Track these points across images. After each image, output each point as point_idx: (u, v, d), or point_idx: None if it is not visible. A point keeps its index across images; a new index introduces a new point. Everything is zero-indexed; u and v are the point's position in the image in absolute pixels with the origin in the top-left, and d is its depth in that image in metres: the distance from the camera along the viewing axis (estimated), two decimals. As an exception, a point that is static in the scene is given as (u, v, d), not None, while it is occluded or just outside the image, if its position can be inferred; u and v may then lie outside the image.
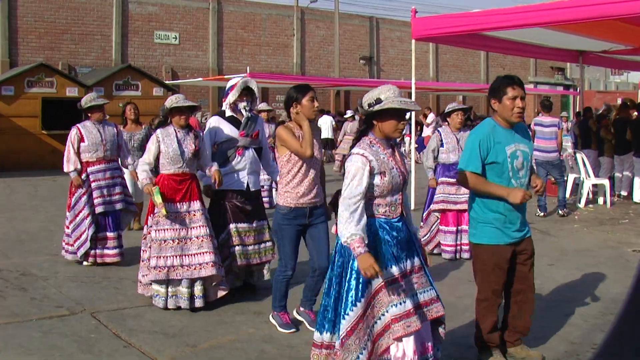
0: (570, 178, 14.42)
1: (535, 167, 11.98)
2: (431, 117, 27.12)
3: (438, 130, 9.30)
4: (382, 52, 36.17)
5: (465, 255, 8.82)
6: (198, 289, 6.65)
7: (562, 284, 7.72)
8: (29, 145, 21.00)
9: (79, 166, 8.61)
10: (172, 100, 6.82)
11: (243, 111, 7.16)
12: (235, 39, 31.14)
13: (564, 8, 10.82)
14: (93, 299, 7.07)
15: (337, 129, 26.49)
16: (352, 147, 4.62)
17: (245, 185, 7.15)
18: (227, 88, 7.34)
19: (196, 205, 6.82)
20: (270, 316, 6.22)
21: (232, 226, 7.04)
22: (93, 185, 8.58)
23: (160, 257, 6.59)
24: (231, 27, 30.99)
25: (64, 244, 8.67)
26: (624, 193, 14.75)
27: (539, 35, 13.03)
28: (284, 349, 5.69)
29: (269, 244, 7.27)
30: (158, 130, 6.87)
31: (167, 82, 25.79)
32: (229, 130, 7.18)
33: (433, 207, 9.18)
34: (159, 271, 6.57)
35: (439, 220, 9.13)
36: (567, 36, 12.94)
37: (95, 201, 8.55)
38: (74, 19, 26.95)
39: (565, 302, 7.01)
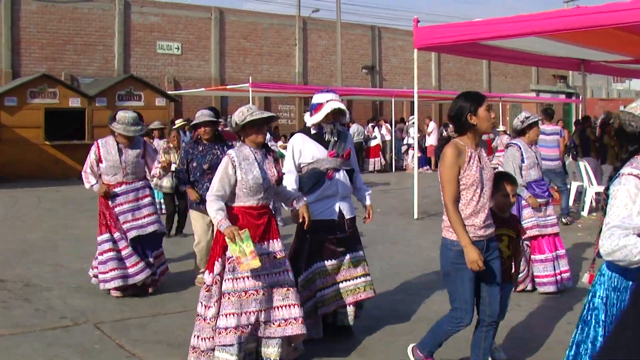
0: (574, 186, 14.42)
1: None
2: (432, 125, 27.13)
3: (516, 144, 7.91)
4: (385, 61, 36.22)
5: (569, 284, 7.89)
6: (272, 350, 5.31)
7: (566, 292, 7.71)
8: (32, 156, 21.04)
9: (95, 181, 7.77)
10: (245, 112, 5.36)
11: (327, 136, 6.12)
12: (238, 49, 31.20)
13: (564, 17, 10.85)
14: (97, 310, 7.08)
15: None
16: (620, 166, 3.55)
17: (337, 213, 6.10)
18: (312, 104, 6.25)
19: (277, 244, 5.44)
20: (410, 352, 5.34)
21: (320, 264, 5.98)
22: (116, 210, 7.68)
23: (242, 313, 5.17)
24: (233, 37, 31.06)
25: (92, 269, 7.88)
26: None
27: (540, 45, 13.05)
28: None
29: (367, 278, 6.18)
30: (232, 152, 5.38)
31: (169, 92, 25.85)
32: (315, 150, 6.11)
33: (529, 232, 7.79)
34: (242, 332, 5.16)
35: (529, 250, 7.85)
36: (568, 46, 12.96)
37: (124, 225, 7.67)
38: (77, 29, 27.02)
39: (569, 310, 7.01)
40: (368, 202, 6.38)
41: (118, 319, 6.79)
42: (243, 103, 23.09)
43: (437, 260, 8.95)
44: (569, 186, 13.57)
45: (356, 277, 6.11)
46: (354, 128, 26.44)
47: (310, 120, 6.17)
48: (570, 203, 13.57)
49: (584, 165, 14.14)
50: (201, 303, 5.34)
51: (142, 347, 5.93)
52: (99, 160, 7.73)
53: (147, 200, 7.90)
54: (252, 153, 5.41)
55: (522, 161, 7.84)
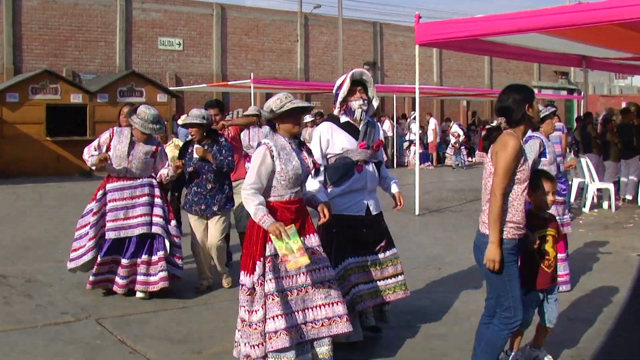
0: (575, 182, 14.42)
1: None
2: (432, 122, 27.11)
3: (539, 137, 7.57)
4: (386, 58, 36.20)
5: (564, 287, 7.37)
6: (324, 349, 5.02)
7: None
8: (34, 152, 21.05)
9: (95, 154, 7.36)
10: (283, 100, 5.04)
11: (358, 112, 5.75)
12: (239, 45, 31.18)
13: (566, 13, 10.85)
14: (98, 305, 7.09)
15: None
16: None
17: (365, 208, 5.81)
18: (335, 87, 5.90)
19: (315, 239, 5.12)
20: None
21: (353, 260, 5.65)
22: (109, 205, 7.32)
23: (290, 314, 4.88)
24: (235, 33, 31.05)
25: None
26: (629, 197, 14.74)
27: (542, 40, 13.04)
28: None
29: (399, 278, 5.88)
30: (268, 141, 5.03)
31: (171, 88, 25.84)
32: (345, 140, 5.76)
33: None
34: (293, 334, 4.85)
35: None
36: (570, 43, 12.96)
37: (108, 224, 7.28)
38: (78, 25, 27.02)
39: (570, 307, 7.01)
40: (396, 189, 6.12)
41: (119, 314, 6.80)
42: (244, 99, 23.11)
43: (438, 256, 8.95)
44: (570, 182, 13.56)
45: (388, 277, 5.80)
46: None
47: (337, 103, 5.81)
48: (572, 199, 13.56)
49: (585, 161, 14.14)
50: (243, 308, 4.96)
51: (144, 342, 5.94)
52: (107, 148, 7.38)
53: (143, 199, 7.39)
54: (288, 143, 5.07)
55: (544, 155, 7.53)
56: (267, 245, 4.86)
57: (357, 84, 5.80)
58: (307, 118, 19.52)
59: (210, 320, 6.66)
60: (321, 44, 33.82)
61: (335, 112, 5.85)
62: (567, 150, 14.35)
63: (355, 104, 5.74)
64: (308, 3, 46.27)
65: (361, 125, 5.80)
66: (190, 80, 28.91)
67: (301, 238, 4.86)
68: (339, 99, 5.77)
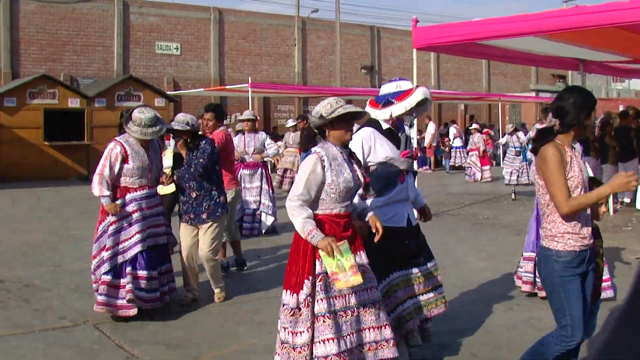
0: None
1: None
2: (431, 126, 27.12)
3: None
4: (384, 62, 36.22)
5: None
6: None
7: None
8: (32, 157, 21.06)
9: (108, 194, 6.67)
10: (334, 104, 4.66)
11: (407, 128, 5.56)
12: (237, 49, 31.19)
13: (564, 16, 10.84)
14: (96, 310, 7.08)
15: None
16: None
17: (407, 219, 5.51)
18: (390, 92, 5.50)
19: (364, 257, 4.75)
20: None
21: (399, 274, 5.34)
22: (135, 215, 6.72)
23: (341, 337, 4.50)
24: (232, 37, 31.05)
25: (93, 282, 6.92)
26: (627, 200, 14.75)
27: (539, 45, 13.04)
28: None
29: (441, 290, 5.58)
30: (319, 150, 4.65)
31: (168, 92, 25.85)
32: (388, 148, 5.41)
33: None
34: (343, 359, 4.47)
35: None
36: (567, 46, 12.96)
37: (140, 235, 6.70)
38: (76, 30, 27.02)
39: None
40: (424, 201, 5.83)
41: (117, 319, 6.79)
42: (242, 104, 23.10)
43: (436, 260, 8.92)
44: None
45: (430, 291, 5.47)
46: (354, 128, 26.43)
47: (393, 109, 5.37)
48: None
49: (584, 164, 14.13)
50: (285, 329, 4.58)
51: (141, 347, 5.93)
52: (124, 160, 6.70)
53: (160, 208, 7.12)
54: (339, 152, 4.69)
55: None
56: (317, 262, 4.51)
57: (418, 103, 5.41)
58: (290, 122, 19.29)
59: (207, 325, 6.65)
60: (319, 48, 33.84)
61: (380, 113, 5.44)
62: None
63: (408, 119, 5.61)
64: (305, 7, 46.36)
65: (400, 133, 5.53)
66: (188, 85, 28.91)
67: (354, 256, 4.52)
68: (395, 111, 5.38)
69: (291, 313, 4.54)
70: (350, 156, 4.81)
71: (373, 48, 35.79)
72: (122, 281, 6.64)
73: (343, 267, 4.37)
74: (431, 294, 5.45)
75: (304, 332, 4.48)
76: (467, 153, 23.60)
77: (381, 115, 5.44)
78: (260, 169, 11.43)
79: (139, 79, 24.54)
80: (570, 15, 10.73)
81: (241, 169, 11.22)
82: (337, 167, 4.58)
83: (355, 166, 4.77)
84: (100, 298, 6.56)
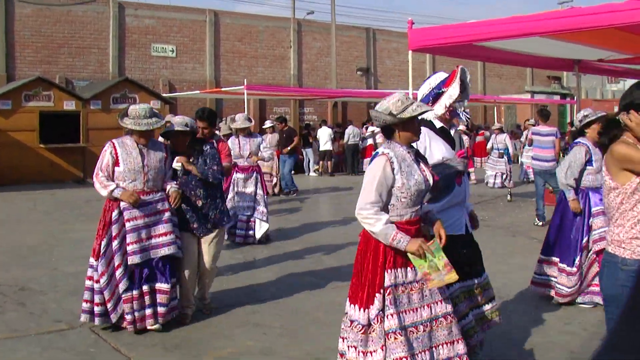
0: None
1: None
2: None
3: (585, 144, 7.20)
4: (379, 63, 36.24)
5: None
6: None
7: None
8: (27, 159, 21.02)
9: (114, 185, 6.35)
10: (405, 102, 4.31)
11: (464, 116, 5.32)
12: (232, 51, 31.18)
13: (559, 18, 10.85)
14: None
15: (335, 140, 26.57)
16: None
17: (464, 226, 5.12)
18: (434, 86, 5.13)
19: None
20: None
21: (460, 285, 4.94)
22: (128, 225, 6.29)
23: (415, 355, 4.22)
24: (228, 40, 31.05)
25: (86, 304, 6.41)
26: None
27: (535, 45, 13.06)
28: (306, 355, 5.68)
29: (495, 301, 5.28)
30: (387, 151, 4.32)
31: (164, 94, 25.85)
32: (444, 148, 5.04)
33: (596, 246, 7.04)
34: None
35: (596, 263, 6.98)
36: (563, 45, 12.97)
37: (129, 248, 6.27)
38: (71, 32, 26.98)
39: (565, 311, 7.02)
40: (472, 207, 5.41)
41: (113, 322, 6.77)
42: (238, 105, 23.06)
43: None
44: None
45: (487, 302, 5.16)
46: (349, 130, 26.46)
47: (448, 96, 5.00)
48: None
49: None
50: (354, 349, 4.24)
51: (137, 350, 5.92)
52: (115, 163, 6.36)
53: (166, 215, 6.50)
54: (407, 153, 4.36)
55: (590, 163, 7.14)
56: (386, 274, 4.23)
57: (462, 84, 5.03)
58: (267, 123, 19.23)
59: (203, 327, 6.64)
60: (314, 50, 33.85)
61: (436, 109, 5.01)
62: (560, 155, 14.34)
63: (461, 106, 5.11)
64: (301, 9, 46.36)
65: (453, 132, 5.19)
66: (183, 87, 28.89)
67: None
68: (446, 101, 5.02)
69: (362, 330, 4.22)
70: (417, 155, 4.49)
71: (369, 50, 35.80)
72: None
73: (436, 267, 4.19)
74: (487, 306, 5.17)
75: (376, 351, 4.16)
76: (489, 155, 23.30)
77: (437, 109, 5.03)
78: (255, 173, 10.99)
79: (135, 81, 24.52)
80: (566, 17, 10.75)
81: (235, 173, 10.80)
82: (407, 168, 4.28)
83: (424, 166, 4.46)
84: (129, 317, 6.26)
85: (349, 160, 26.47)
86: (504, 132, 21.29)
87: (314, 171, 26.39)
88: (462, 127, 23.39)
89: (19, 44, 25.97)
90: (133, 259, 6.26)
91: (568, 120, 30.79)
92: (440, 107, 5.03)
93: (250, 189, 10.89)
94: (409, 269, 4.30)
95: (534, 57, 15.46)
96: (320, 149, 26.07)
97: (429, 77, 5.25)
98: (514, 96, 38.44)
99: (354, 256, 4.49)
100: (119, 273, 6.24)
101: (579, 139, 7.30)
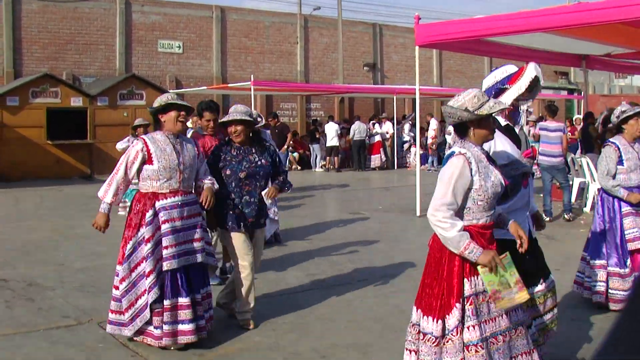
0: (576, 182, 14.41)
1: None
2: (433, 122, 27.09)
3: (614, 143, 6.90)
4: (386, 59, 36.19)
5: None
6: None
7: (569, 288, 7.70)
8: (35, 156, 21.09)
9: (116, 198, 5.76)
10: (481, 98, 4.06)
11: (524, 117, 5.01)
12: (239, 47, 31.18)
13: (566, 13, 10.84)
14: (100, 309, 7.06)
15: (342, 136, 26.56)
16: None
17: (528, 231, 4.72)
18: (498, 80, 4.86)
19: None
20: None
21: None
22: (165, 227, 5.66)
23: None
24: (235, 36, 31.04)
25: (110, 314, 5.91)
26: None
27: (541, 40, 13.05)
28: (291, 356, 5.69)
29: (555, 311, 4.93)
30: (464, 150, 4.06)
31: (171, 91, 25.85)
32: (509, 148, 4.76)
33: (631, 246, 6.80)
34: None
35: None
36: (569, 40, 12.97)
37: (166, 252, 5.65)
38: (78, 29, 27.02)
39: (572, 307, 7.01)
40: (536, 208, 5.13)
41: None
42: (245, 102, 23.15)
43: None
44: (571, 182, 13.56)
45: (548, 312, 4.85)
46: (355, 126, 26.44)
47: (510, 93, 4.73)
48: (573, 199, 13.56)
49: (586, 161, 14.13)
50: None
51: (145, 346, 5.93)
52: (147, 160, 5.72)
53: (200, 219, 6.01)
54: (482, 153, 4.11)
55: (620, 163, 6.80)
56: (466, 282, 3.96)
57: (532, 82, 4.74)
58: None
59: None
60: (321, 46, 33.82)
61: (497, 107, 4.29)
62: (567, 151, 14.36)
63: (525, 104, 4.85)
64: (308, 5, 46.31)
65: (518, 130, 4.93)
66: (190, 83, 28.89)
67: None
68: (511, 97, 4.73)
69: (435, 343, 3.96)
70: (488, 155, 4.24)
71: (375, 45, 35.75)
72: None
73: (507, 284, 3.89)
74: (547, 315, 4.85)
75: None
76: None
77: (503, 103, 4.56)
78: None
79: (142, 77, 24.57)
80: (573, 12, 10.74)
81: None
82: (483, 169, 4.03)
83: (495, 167, 4.20)
84: (157, 332, 5.70)
85: (355, 157, 26.45)
86: None
87: (321, 167, 26.41)
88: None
89: (26, 41, 26.03)
90: (170, 264, 5.63)
91: (575, 115, 30.71)
92: (506, 98, 4.75)
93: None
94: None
95: (541, 52, 15.45)
96: (327, 144, 26.07)
97: (496, 69, 5.03)
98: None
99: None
100: (149, 281, 5.59)
101: (611, 139, 7.00)
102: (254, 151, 6.46)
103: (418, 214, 13.35)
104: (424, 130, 26.82)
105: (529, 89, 4.76)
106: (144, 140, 5.78)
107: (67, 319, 6.73)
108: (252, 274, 6.38)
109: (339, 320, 6.63)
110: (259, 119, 9.23)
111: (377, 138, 26.43)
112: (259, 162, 6.43)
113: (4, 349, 5.83)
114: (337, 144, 25.93)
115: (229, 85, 25.68)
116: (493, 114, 4.11)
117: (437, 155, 27.15)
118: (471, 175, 3.97)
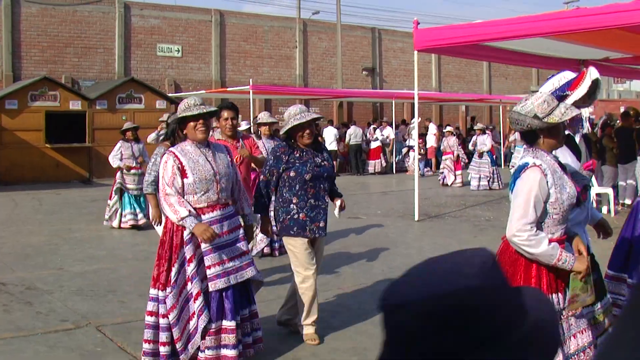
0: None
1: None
2: (432, 127, 27.13)
3: None
4: (385, 63, 36.24)
5: None
6: None
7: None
8: (33, 159, 21.10)
9: (187, 212, 5.11)
10: (550, 103, 3.78)
11: (585, 125, 4.65)
12: (238, 51, 31.21)
13: (565, 18, 10.86)
14: (98, 313, 7.08)
15: (340, 140, 26.58)
16: None
17: (588, 246, 4.42)
18: (557, 87, 4.53)
19: None
20: None
21: (585, 312, 4.25)
22: (205, 245, 5.17)
23: None
24: (234, 40, 31.08)
25: (147, 344, 5.38)
26: (627, 202, 14.73)
27: (540, 45, 13.07)
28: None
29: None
30: (539, 162, 3.79)
31: (170, 94, 25.88)
32: (570, 159, 4.52)
33: None
34: None
35: None
36: (568, 45, 12.98)
37: (209, 271, 5.18)
38: (77, 32, 27.05)
39: (570, 312, 7.00)
40: (600, 215, 4.85)
41: (119, 321, 6.79)
42: (244, 105, 23.14)
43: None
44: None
45: (605, 332, 4.39)
46: (350, 130, 26.46)
47: (572, 100, 4.36)
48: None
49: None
50: None
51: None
52: (182, 174, 5.23)
53: (242, 231, 5.53)
54: (555, 162, 3.85)
55: None
56: (553, 297, 3.76)
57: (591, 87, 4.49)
58: (243, 125, 18.16)
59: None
60: (320, 50, 33.86)
61: (553, 116, 3.94)
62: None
63: (587, 111, 4.53)
64: (307, 9, 46.39)
65: (578, 139, 4.63)
66: (189, 87, 28.93)
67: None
68: (572, 100, 4.40)
69: None
70: (560, 163, 3.96)
71: (374, 50, 35.81)
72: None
73: (586, 288, 3.80)
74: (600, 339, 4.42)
75: None
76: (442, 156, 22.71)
77: (557, 115, 4.20)
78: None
79: (140, 81, 24.58)
80: (571, 17, 10.76)
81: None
82: (558, 180, 3.78)
83: (568, 176, 3.93)
84: (209, 353, 5.20)
85: (352, 161, 26.48)
86: (485, 133, 20.89)
87: (320, 171, 26.38)
88: (449, 128, 22.97)
89: (25, 44, 26.05)
90: (216, 284, 5.16)
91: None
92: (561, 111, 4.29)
93: None
94: (559, 294, 3.84)
95: (540, 57, 15.47)
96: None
97: (552, 76, 4.75)
98: (520, 96, 38.25)
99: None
100: (197, 304, 5.13)
101: None
102: (316, 153, 6.16)
103: (416, 218, 13.36)
104: (423, 135, 26.83)
105: (588, 94, 4.53)
106: (174, 153, 5.27)
107: (65, 323, 6.73)
108: (315, 284, 6.09)
109: (338, 325, 6.63)
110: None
111: (377, 143, 26.42)
112: (322, 164, 6.13)
113: (3, 353, 5.83)
114: (336, 148, 25.94)
115: (228, 89, 25.69)
116: (566, 121, 3.83)
117: (435, 159, 27.20)
118: (548, 187, 3.75)
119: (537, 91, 4.02)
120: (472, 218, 13.78)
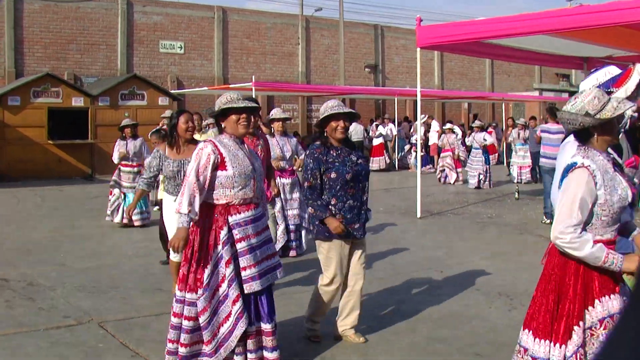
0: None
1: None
2: (435, 124, 27.11)
3: None
4: (387, 60, 36.20)
5: None
6: None
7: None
8: (36, 155, 21.11)
9: (192, 208, 4.92)
10: (600, 99, 3.66)
11: (627, 123, 4.55)
12: (241, 48, 31.20)
13: (567, 16, 10.86)
14: (100, 309, 7.08)
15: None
16: None
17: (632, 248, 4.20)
18: (600, 82, 4.40)
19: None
20: None
21: None
22: (240, 246, 5.00)
23: None
24: (236, 36, 31.07)
25: (171, 344, 5.18)
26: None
27: (543, 43, 13.06)
28: (292, 358, 5.69)
29: None
30: (588, 162, 3.64)
31: (172, 91, 25.88)
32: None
33: None
34: None
35: None
36: (571, 43, 12.98)
37: (244, 273, 4.99)
38: (80, 29, 27.05)
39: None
40: (637, 232, 4.19)
41: (121, 318, 6.80)
42: (246, 102, 23.19)
43: (440, 259, 8.93)
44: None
45: None
46: (352, 127, 26.40)
47: (614, 96, 3.96)
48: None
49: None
50: None
51: (146, 346, 5.94)
52: (219, 166, 5.02)
53: (268, 233, 5.37)
54: (608, 161, 3.69)
55: None
56: (597, 303, 3.62)
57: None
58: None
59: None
60: (322, 47, 33.84)
61: (601, 109, 3.73)
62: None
63: (630, 109, 4.21)
64: (309, 6, 46.37)
65: (620, 137, 4.44)
66: (191, 84, 28.92)
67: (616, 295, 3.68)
68: (628, 92, 4.28)
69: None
70: (614, 162, 3.78)
71: (377, 47, 35.77)
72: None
73: None
74: None
75: None
76: (440, 154, 22.52)
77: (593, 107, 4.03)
78: (296, 177, 9.77)
79: (143, 77, 24.58)
80: (574, 15, 10.75)
81: (279, 179, 9.48)
82: (609, 182, 3.62)
83: (622, 176, 3.75)
84: (251, 356, 5.07)
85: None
86: (483, 131, 20.74)
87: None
88: (449, 125, 22.79)
89: (28, 40, 26.05)
90: (252, 287, 4.99)
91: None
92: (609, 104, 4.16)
93: (297, 194, 9.69)
94: (612, 295, 3.67)
95: (543, 55, 15.47)
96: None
97: (595, 70, 4.62)
98: (522, 93, 38.34)
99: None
100: (237, 308, 4.92)
101: None
102: (350, 151, 5.90)
103: (419, 215, 13.36)
104: (425, 132, 26.78)
105: (636, 91, 4.36)
106: (215, 144, 5.04)
107: (67, 319, 6.73)
108: (339, 290, 5.92)
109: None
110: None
111: (380, 140, 26.37)
112: (359, 162, 5.88)
113: (5, 349, 5.84)
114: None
115: (230, 86, 25.67)
116: (620, 116, 3.64)
117: (438, 156, 27.12)
118: (596, 189, 3.60)
119: (577, 88, 3.85)
120: (474, 215, 13.77)
